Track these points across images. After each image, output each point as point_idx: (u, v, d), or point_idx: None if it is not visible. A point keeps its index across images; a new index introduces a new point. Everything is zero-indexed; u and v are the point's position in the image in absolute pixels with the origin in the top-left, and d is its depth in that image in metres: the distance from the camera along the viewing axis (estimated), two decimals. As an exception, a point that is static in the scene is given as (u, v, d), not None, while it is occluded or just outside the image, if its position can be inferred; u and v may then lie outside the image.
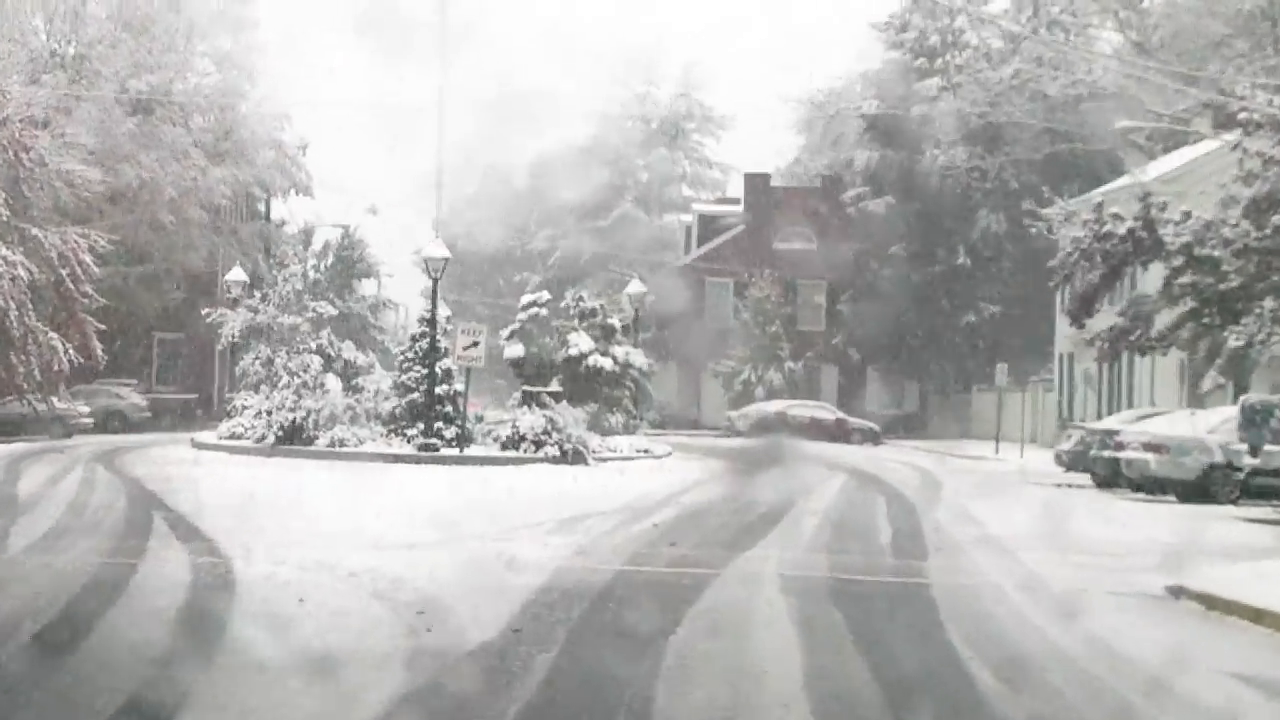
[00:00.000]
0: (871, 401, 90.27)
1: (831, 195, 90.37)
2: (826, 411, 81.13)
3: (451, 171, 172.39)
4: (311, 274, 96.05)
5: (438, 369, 45.67)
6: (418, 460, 43.31)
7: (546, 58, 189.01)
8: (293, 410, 45.57)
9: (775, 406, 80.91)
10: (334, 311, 57.95)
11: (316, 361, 53.08)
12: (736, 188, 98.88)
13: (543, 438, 44.53)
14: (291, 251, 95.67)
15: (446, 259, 44.86)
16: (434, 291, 44.96)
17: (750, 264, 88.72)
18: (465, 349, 44.40)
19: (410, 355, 46.42)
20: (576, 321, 52.96)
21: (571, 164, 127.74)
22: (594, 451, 46.73)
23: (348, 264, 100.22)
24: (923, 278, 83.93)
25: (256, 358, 51.44)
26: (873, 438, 78.80)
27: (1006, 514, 30.73)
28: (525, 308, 51.22)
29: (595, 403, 51.65)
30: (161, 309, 77.96)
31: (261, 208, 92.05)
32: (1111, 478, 40.63)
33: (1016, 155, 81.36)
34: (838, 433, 78.40)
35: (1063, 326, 73.99)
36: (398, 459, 43.41)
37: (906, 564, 21.76)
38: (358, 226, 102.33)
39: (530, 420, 44.92)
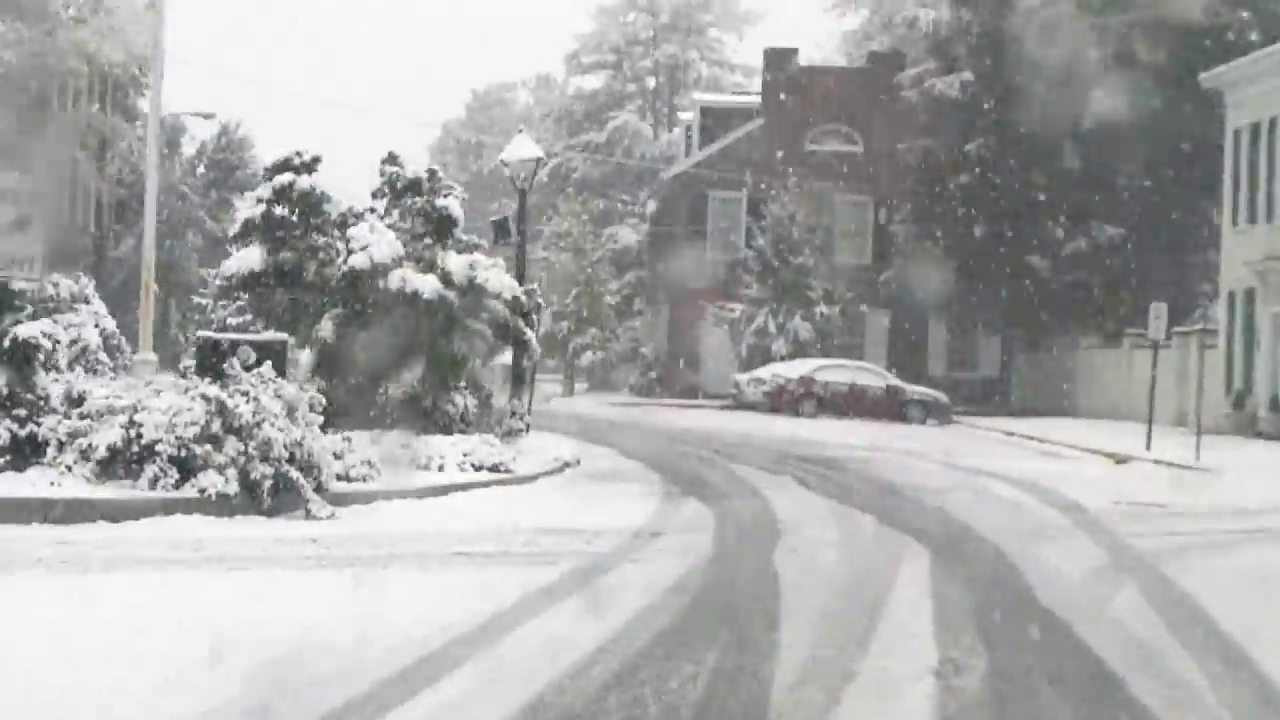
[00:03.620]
0: (936, 362, 62.75)
1: (883, 77, 62.66)
2: (874, 375, 53.89)
3: (435, 85, 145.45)
4: (181, 188, 68.51)
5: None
6: None
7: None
8: None
9: (801, 368, 53.85)
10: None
11: None
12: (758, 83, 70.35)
13: (201, 452, 17.50)
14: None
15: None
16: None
17: (770, 172, 61.19)
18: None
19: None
20: (382, 205, 25.37)
21: (559, 67, 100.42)
22: (358, 478, 19.84)
23: (226, 171, 72.31)
24: (1011, 188, 56.11)
25: None
26: (939, 413, 52.07)
27: None
28: (271, 173, 24.08)
29: (408, 367, 24.35)
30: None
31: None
32: None
33: (1153, 13, 53.49)
34: (890, 405, 51.81)
35: (1236, 250, 46.39)
36: None
37: None
38: (239, 123, 74.54)
39: (168, 409, 17.80)
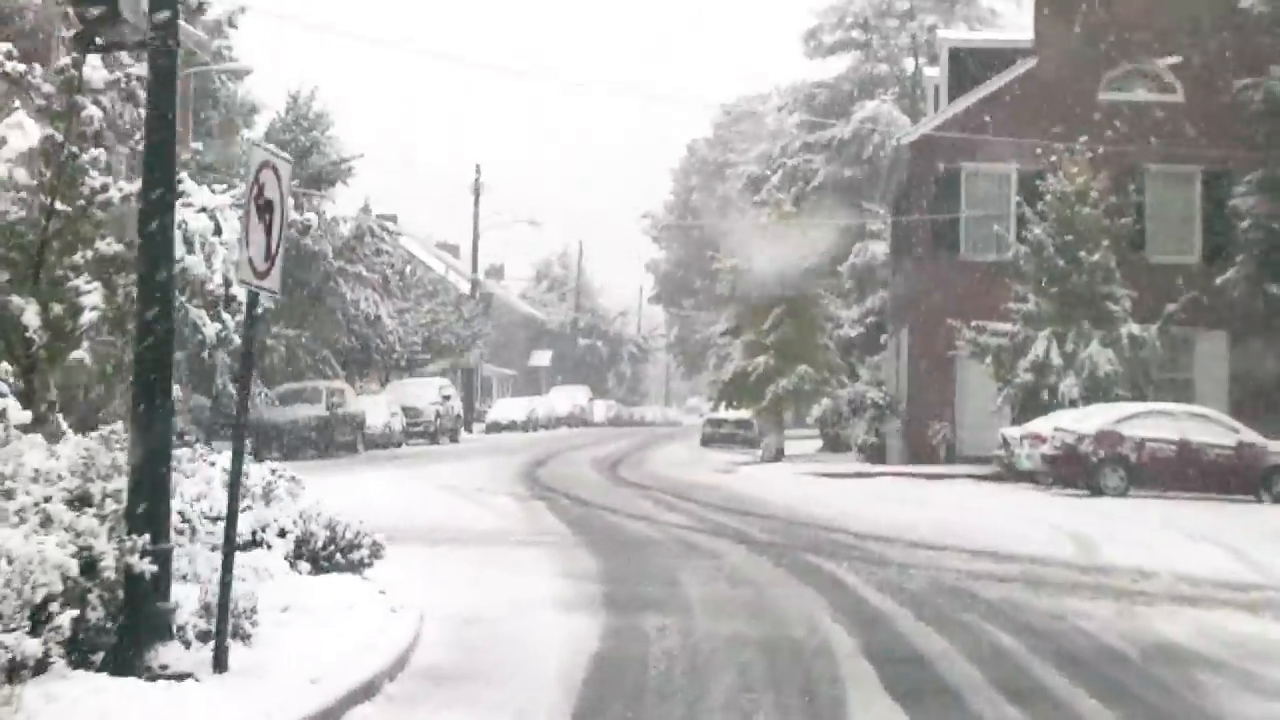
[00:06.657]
0: (1299, 401, 41.64)
1: (1213, -11, 42.09)
2: (1215, 428, 33.83)
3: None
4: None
5: None
6: None
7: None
8: None
9: (1100, 418, 34.04)
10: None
11: None
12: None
13: None
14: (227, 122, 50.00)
15: None
16: None
17: (1049, 133, 41.10)
18: None
19: None
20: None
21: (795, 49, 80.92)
22: None
23: (297, 153, 52.00)
24: None
25: None
26: (1317, 486, 32.06)
27: None
28: None
29: None
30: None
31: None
32: None
33: None
34: (1243, 474, 32.11)
35: None
36: None
37: None
38: (314, 90, 55.90)
39: None
